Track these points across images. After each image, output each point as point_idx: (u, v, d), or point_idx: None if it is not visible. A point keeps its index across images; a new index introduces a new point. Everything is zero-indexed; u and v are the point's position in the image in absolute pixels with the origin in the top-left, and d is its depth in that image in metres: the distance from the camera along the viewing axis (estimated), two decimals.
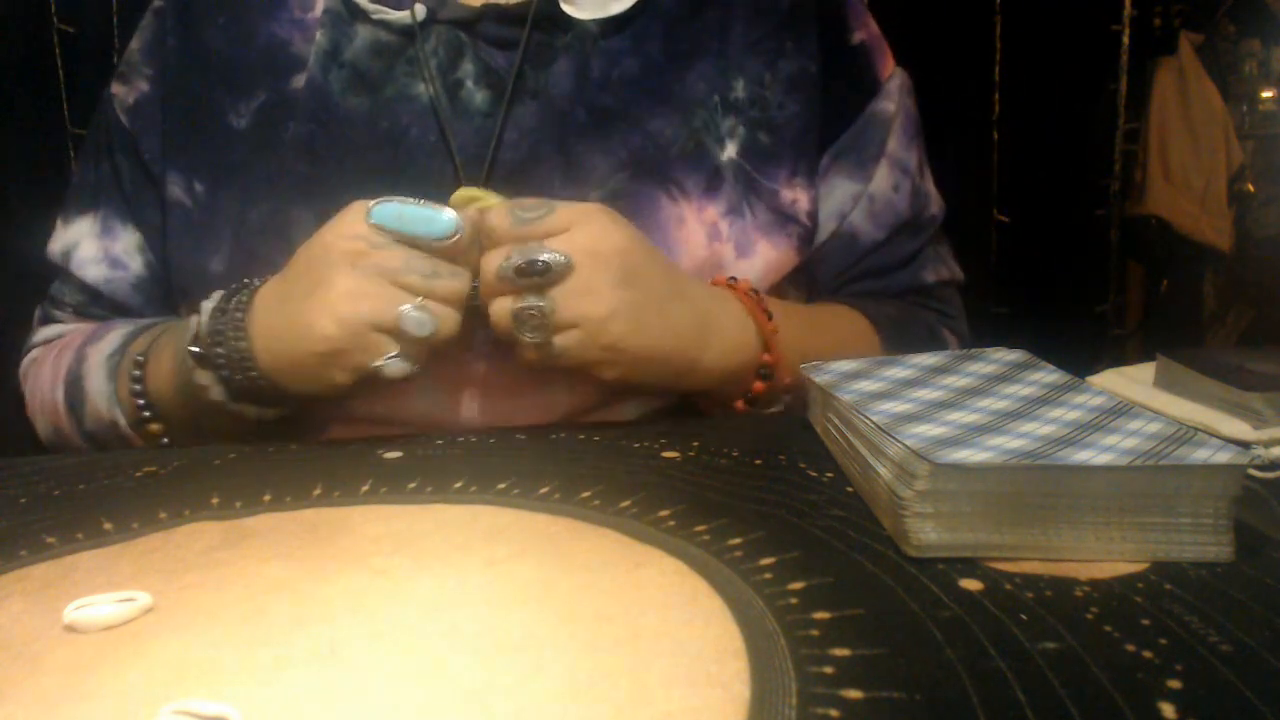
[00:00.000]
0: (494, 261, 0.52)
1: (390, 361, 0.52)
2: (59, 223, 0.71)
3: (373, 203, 0.52)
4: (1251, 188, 2.68)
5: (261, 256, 0.61)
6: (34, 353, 0.71)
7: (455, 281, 0.53)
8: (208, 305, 0.56)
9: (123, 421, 0.62)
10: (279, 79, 0.64)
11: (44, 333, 0.71)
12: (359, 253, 0.52)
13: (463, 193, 0.55)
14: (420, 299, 0.51)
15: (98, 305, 0.70)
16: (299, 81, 0.64)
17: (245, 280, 0.57)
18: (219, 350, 0.54)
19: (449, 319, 0.52)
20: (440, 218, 0.52)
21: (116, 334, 0.65)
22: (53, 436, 0.67)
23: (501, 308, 0.52)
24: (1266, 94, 2.67)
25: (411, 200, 0.52)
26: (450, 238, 0.52)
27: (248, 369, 0.54)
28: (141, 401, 0.60)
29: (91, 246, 0.69)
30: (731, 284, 0.60)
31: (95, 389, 0.63)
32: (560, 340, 0.52)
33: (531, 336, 0.52)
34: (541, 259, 0.51)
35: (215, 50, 0.66)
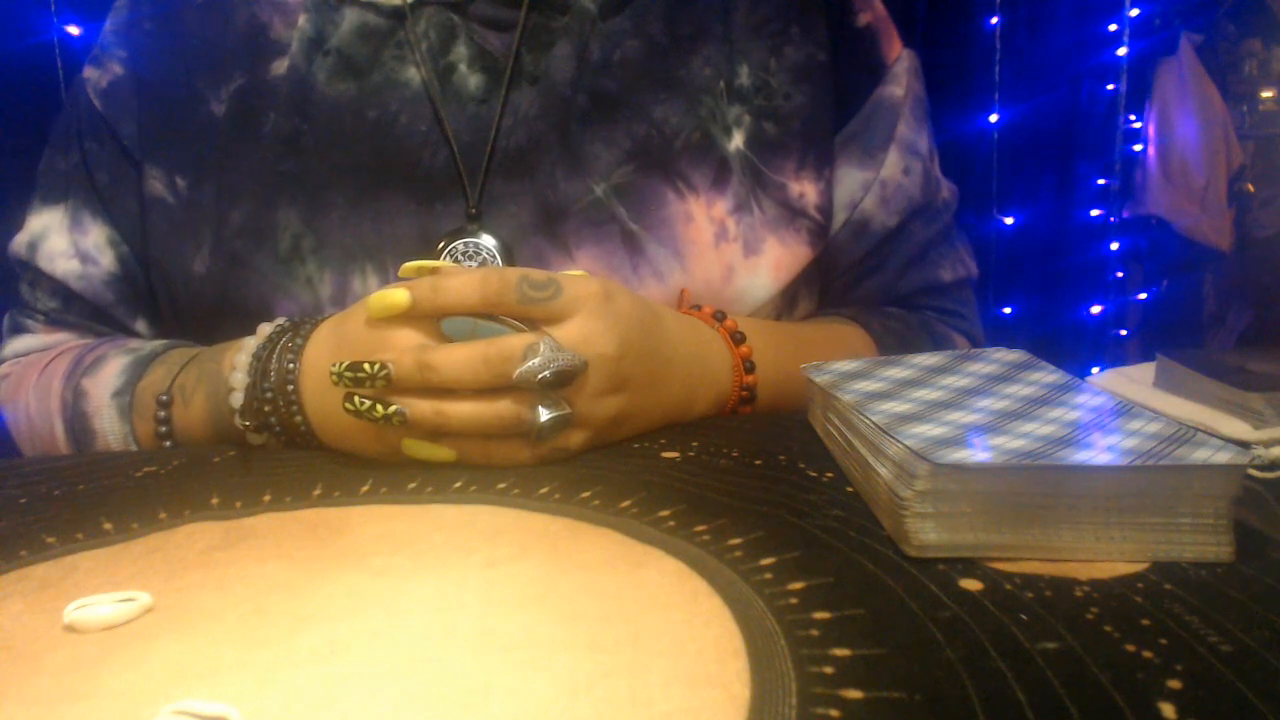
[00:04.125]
0: (512, 364, 0.46)
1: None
2: (28, 216, 0.67)
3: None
4: (1251, 188, 2.69)
5: (244, 259, 0.59)
6: (4, 368, 0.67)
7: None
8: (242, 363, 0.51)
9: (135, 448, 0.60)
10: (257, 64, 0.62)
11: (14, 345, 0.68)
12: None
13: (412, 266, 0.50)
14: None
15: (70, 310, 0.67)
16: (279, 68, 0.62)
17: (284, 340, 0.52)
18: (273, 420, 0.51)
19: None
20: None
21: (115, 365, 0.61)
22: (38, 454, 0.64)
23: (522, 414, 0.47)
24: (1266, 94, 2.67)
25: (483, 316, 0.48)
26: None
27: (308, 441, 0.52)
28: (169, 443, 0.57)
29: (61, 240, 0.66)
30: (717, 319, 0.57)
31: (106, 429, 0.60)
32: (567, 441, 0.48)
33: (543, 440, 0.48)
34: (567, 369, 0.46)
35: (192, 32, 0.64)
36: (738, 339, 0.56)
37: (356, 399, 0.46)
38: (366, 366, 0.46)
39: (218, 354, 0.57)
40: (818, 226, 0.64)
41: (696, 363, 0.55)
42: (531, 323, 0.48)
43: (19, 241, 0.67)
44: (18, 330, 0.68)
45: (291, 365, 0.51)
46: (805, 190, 0.64)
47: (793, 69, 0.64)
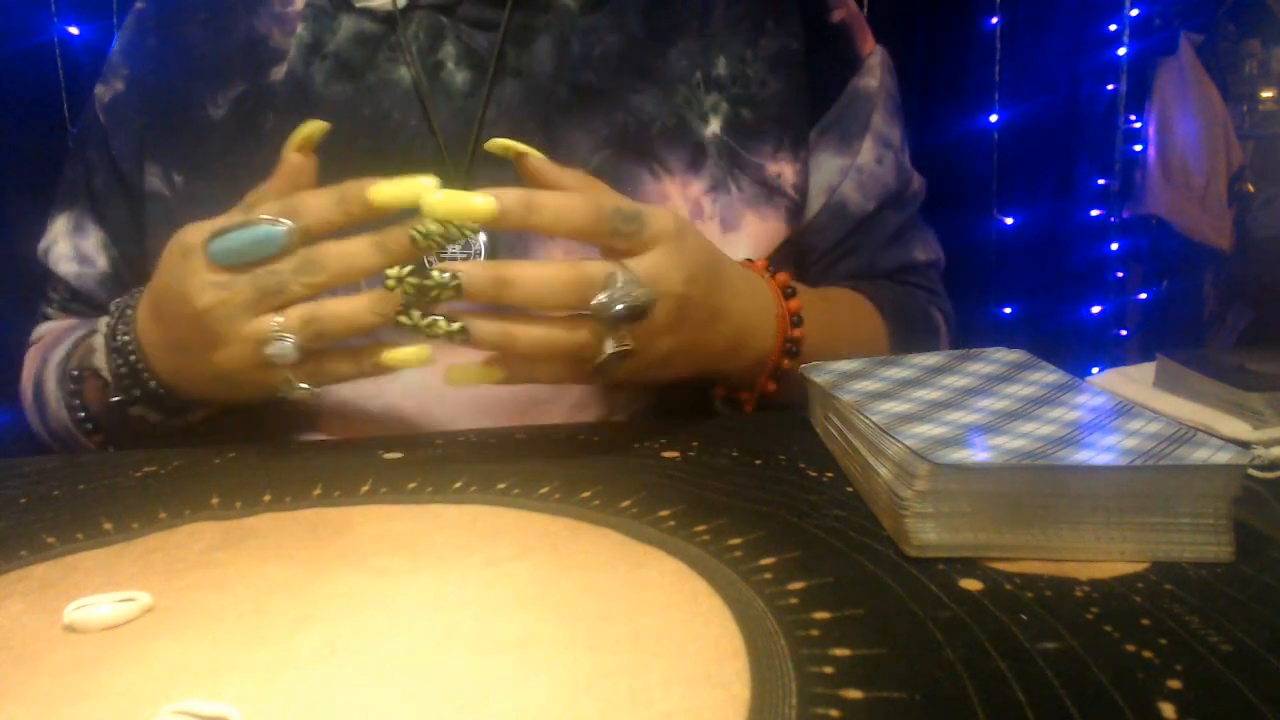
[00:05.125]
0: (594, 291, 0.46)
1: (294, 389, 0.50)
2: (49, 223, 0.72)
3: (201, 240, 0.49)
4: (1251, 188, 2.68)
5: None
6: (31, 351, 0.72)
7: (306, 277, 0.48)
8: (99, 344, 0.56)
9: (74, 428, 0.62)
10: (258, 72, 0.65)
11: (37, 331, 0.73)
12: (219, 303, 0.49)
13: (500, 144, 0.52)
14: (276, 328, 0.48)
15: (77, 301, 0.71)
16: (278, 74, 0.64)
17: (117, 308, 0.56)
18: (137, 392, 0.55)
19: (311, 323, 0.49)
20: (272, 233, 0.48)
21: (70, 340, 0.65)
22: (36, 431, 0.68)
23: (590, 343, 0.47)
24: (1266, 94, 2.67)
25: (236, 223, 0.48)
26: (288, 247, 0.48)
27: (173, 403, 0.55)
28: (82, 415, 0.60)
29: (65, 244, 0.70)
30: (769, 274, 0.59)
31: (52, 393, 0.63)
32: (617, 369, 0.49)
33: (600, 372, 0.48)
34: (640, 304, 0.46)
35: (194, 45, 0.67)
36: (788, 293, 0.57)
37: (414, 314, 0.45)
38: (434, 276, 0.44)
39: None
40: (794, 205, 0.67)
41: (749, 310, 0.56)
42: (598, 251, 0.48)
43: (41, 246, 0.72)
44: (42, 319, 0.74)
45: (127, 339, 0.55)
46: (783, 170, 0.66)
47: (768, 59, 0.67)
